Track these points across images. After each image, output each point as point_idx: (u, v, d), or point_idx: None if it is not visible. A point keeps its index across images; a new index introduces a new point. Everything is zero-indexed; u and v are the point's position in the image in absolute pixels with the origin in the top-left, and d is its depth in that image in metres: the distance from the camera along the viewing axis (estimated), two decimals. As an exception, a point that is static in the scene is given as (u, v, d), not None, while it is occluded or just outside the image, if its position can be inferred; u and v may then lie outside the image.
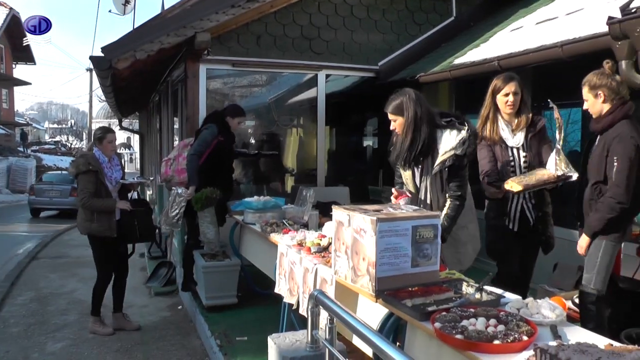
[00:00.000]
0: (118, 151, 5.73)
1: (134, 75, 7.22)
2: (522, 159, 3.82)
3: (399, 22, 7.52)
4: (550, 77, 5.72)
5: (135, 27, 11.50)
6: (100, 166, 5.26)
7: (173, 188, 5.71)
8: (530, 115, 3.83)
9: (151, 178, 7.53)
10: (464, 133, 3.39)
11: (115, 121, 19.47)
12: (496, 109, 3.86)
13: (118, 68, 5.95)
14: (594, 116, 3.53)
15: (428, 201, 3.56)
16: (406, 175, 3.67)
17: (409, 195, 3.61)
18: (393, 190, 3.67)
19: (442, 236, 3.11)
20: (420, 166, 3.58)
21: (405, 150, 3.48)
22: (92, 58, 6.68)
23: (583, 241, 3.54)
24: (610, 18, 3.83)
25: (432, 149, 3.46)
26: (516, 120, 3.82)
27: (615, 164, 3.31)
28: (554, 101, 3.65)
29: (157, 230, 7.46)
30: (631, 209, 3.43)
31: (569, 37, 4.43)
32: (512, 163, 3.82)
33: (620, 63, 3.78)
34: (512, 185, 3.56)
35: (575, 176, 3.50)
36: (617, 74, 3.57)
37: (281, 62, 7.01)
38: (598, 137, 3.58)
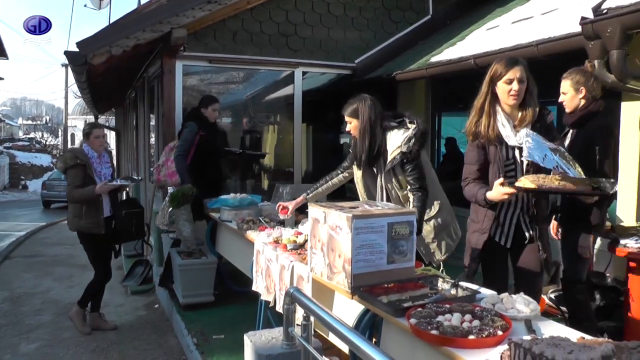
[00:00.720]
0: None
1: (110, 70, 7.14)
2: (525, 162, 3.04)
3: (375, 19, 7.55)
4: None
5: (111, 22, 11.35)
6: (88, 161, 5.24)
7: (168, 188, 5.77)
8: (538, 108, 3.05)
9: (139, 177, 7.40)
10: (409, 132, 3.63)
11: (92, 118, 19.50)
12: (495, 100, 3.06)
13: (93, 63, 5.88)
14: (567, 110, 3.71)
15: (384, 199, 3.79)
16: (357, 175, 3.95)
17: (287, 211, 4.20)
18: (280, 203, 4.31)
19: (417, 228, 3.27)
20: (375, 167, 3.83)
21: (365, 152, 3.74)
22: (67, 53, 6.60)
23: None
24: (583, 18, 3.90)
25: (384, 150, 3.72)
26: (520, 114, 3.03)
27: (598, 155, 3.46)
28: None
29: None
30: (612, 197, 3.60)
31: (544, 37, 4.51)
32: (513, 166, 3.08)
33: (592, 63, 3.89)
34: (525, 182, 2.79)
35: (615, 188, 2.87)
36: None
37: (258, 59, 6.98)
38: (571, 132, 3.72)
